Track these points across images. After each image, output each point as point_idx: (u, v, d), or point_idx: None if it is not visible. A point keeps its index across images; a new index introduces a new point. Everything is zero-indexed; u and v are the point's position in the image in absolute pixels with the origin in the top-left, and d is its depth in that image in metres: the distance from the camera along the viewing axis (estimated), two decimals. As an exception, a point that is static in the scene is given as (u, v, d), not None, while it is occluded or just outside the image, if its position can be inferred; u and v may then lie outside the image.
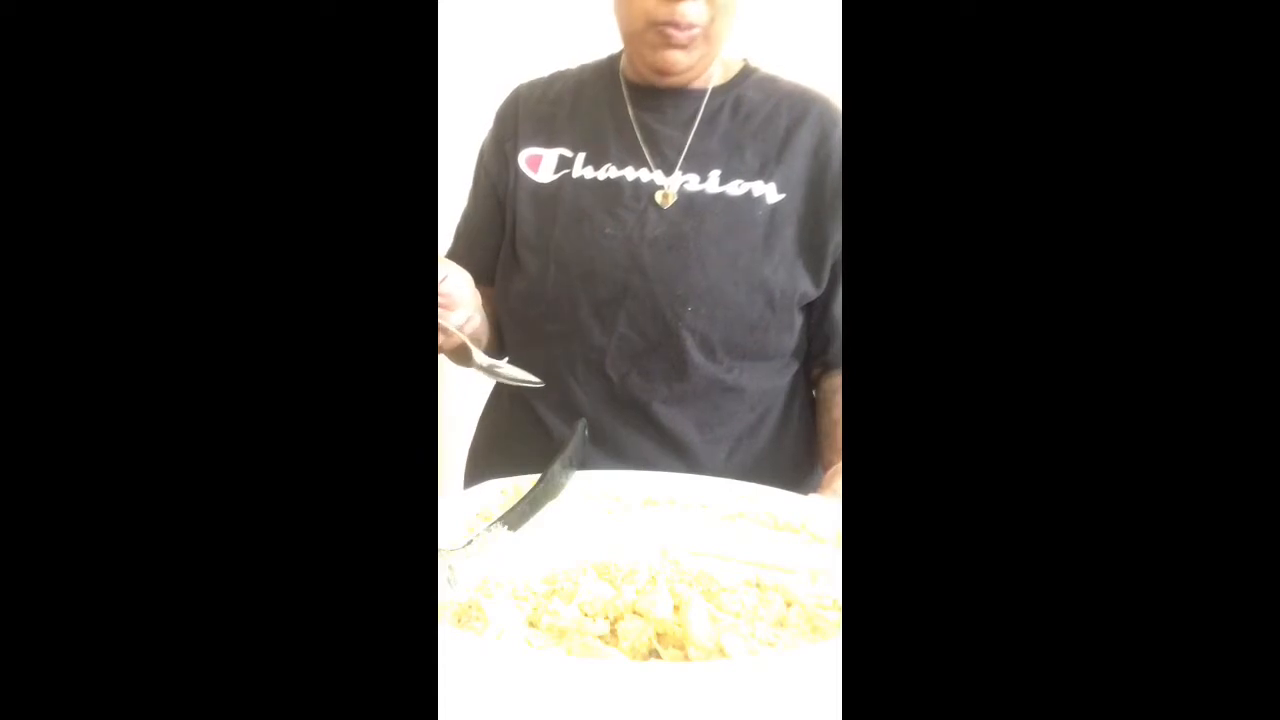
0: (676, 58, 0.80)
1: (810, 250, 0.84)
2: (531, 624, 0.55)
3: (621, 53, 0.90)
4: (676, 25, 0.77)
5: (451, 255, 0.94)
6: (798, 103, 0.87)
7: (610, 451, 0.82)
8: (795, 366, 0.87)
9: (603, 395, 0.83)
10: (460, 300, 0.70)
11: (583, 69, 0.94)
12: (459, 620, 0.53)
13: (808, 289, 0.84)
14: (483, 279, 0.90)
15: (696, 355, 0.81)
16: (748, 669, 0.39)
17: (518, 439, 0.88)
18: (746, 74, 0.89)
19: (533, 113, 0.90)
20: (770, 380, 0.85)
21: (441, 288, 0.68)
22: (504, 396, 0.93)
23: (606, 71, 0.91)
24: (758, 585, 0.61)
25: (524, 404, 0.87)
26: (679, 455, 0.83)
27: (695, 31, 0.78)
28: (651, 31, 0.78)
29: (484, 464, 0.93)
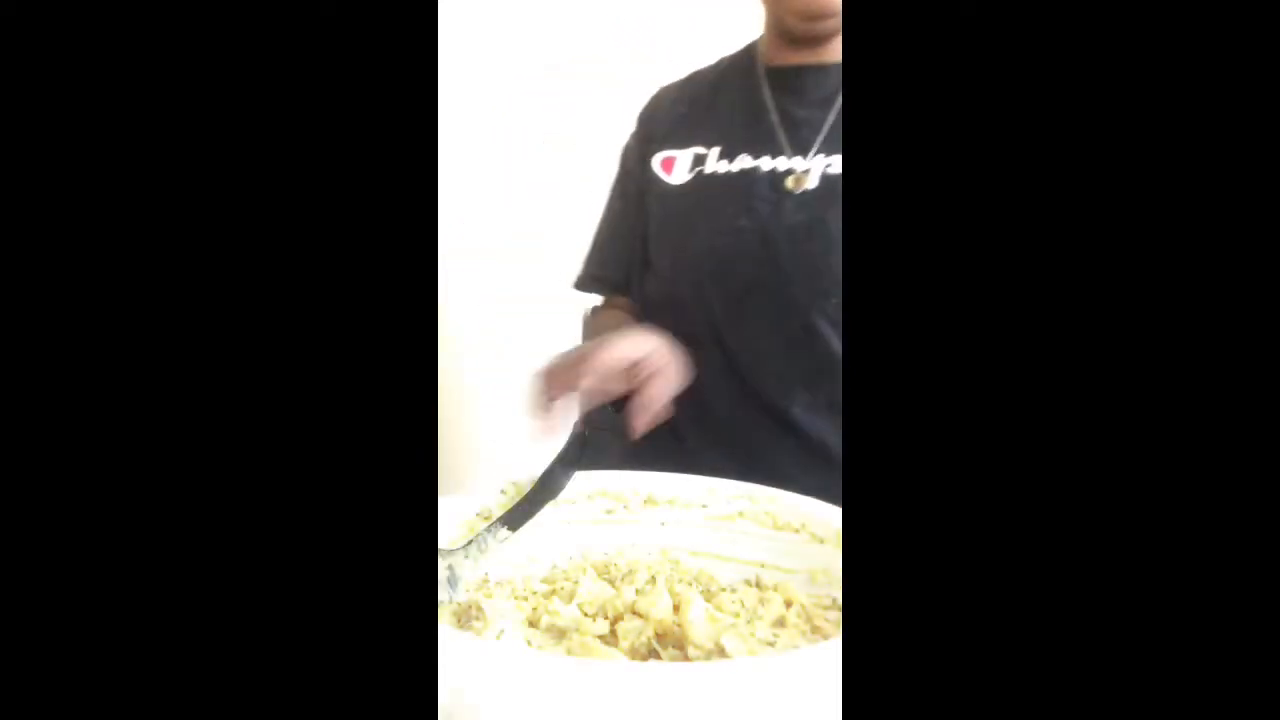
0: (821, 27, 0.75)
1: None
2: (531, 624, 0.55)
3: (759, 39, 0.85)
4: None
5: (587, 261, 0.93)
6: None
7: (743, 462, 0.72)
8: None
9: (736, 401, 0.77)
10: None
11: (719, 62, 0.89)
12: (459, 620, 0.53)
13: None
14: (619, 287, 0.89)
15: (840, 349, 0.73)
16: (747, 669, 0.39)
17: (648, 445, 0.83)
18: None
19: (668, 115, 0.87)
20: None
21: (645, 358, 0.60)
22: None
23: (743, 60, 0.85)
24: (758, 585, 0.61)
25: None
26: (829, 467, 0.74)
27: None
28: None
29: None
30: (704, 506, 0.64)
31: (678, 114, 0.86)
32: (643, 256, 0.84)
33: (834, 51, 0.80)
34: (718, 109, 0.84)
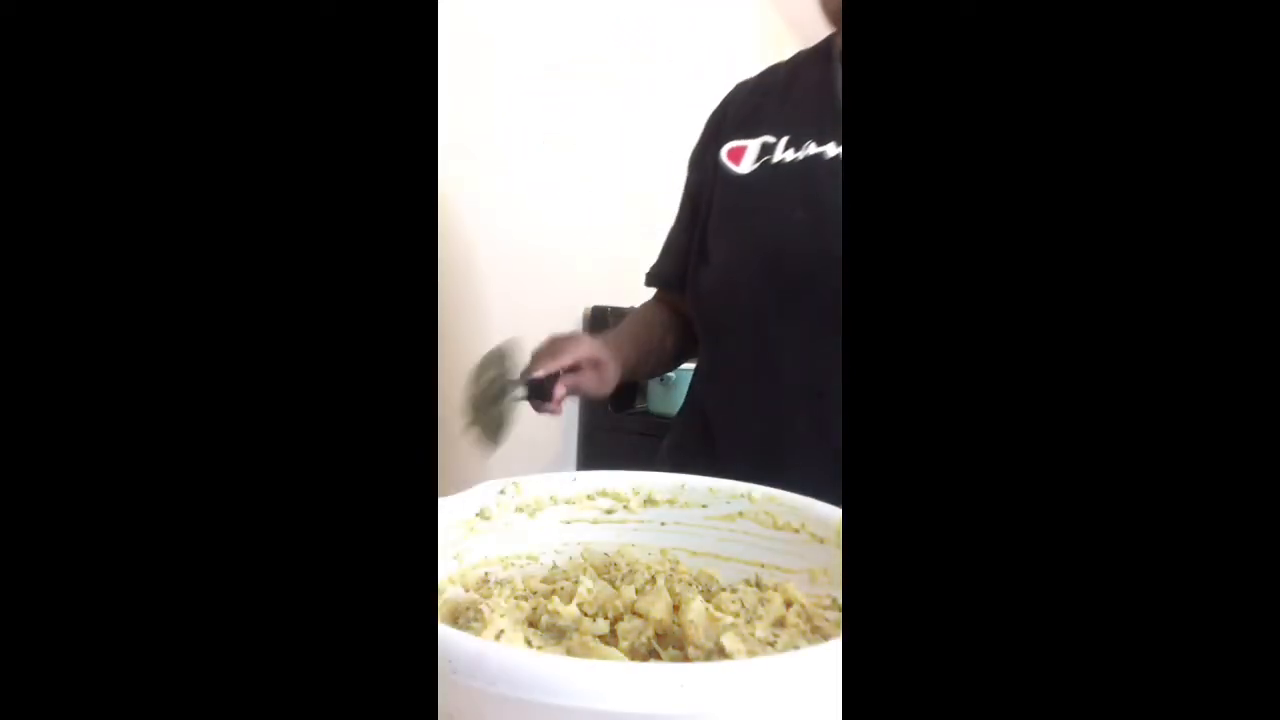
0: None
1: None
2: (531, 624, 0.55)
3: (837, 32, 0.83)
4: None
5: (658, 258, 0.93)
6: None
7: (767, 466, 0.68)
8: None
9: (771, 400, 0.76)
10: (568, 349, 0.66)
11: (796, 55, 0.88)
12: (456, 620, 0.53)
13: None
14: (670, 284, 0.90)
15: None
16: (747, 669, 0.38)
17: (681, 440, 0.83)
18: None
19: (740, 107, 0.86)
20: None
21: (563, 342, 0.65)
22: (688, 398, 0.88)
23: (820, 53, 0.84)
24: (758, 585, 0.61)
25: (695, 405, 0.83)
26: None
27: None
28: None
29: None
30: (704, 507, 0.64)
31: (752, 104, 0.85)
32: (700, 249, 0.82)
33: None
34: (790, 100, 0.82)
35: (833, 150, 0.75)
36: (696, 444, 0.81)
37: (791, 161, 0.77)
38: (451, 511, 0.59)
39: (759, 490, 0.63)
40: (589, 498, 0.65)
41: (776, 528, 0.61)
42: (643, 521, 0.64)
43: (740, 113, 0.85)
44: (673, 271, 0.89)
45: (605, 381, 0.73)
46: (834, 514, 0.58)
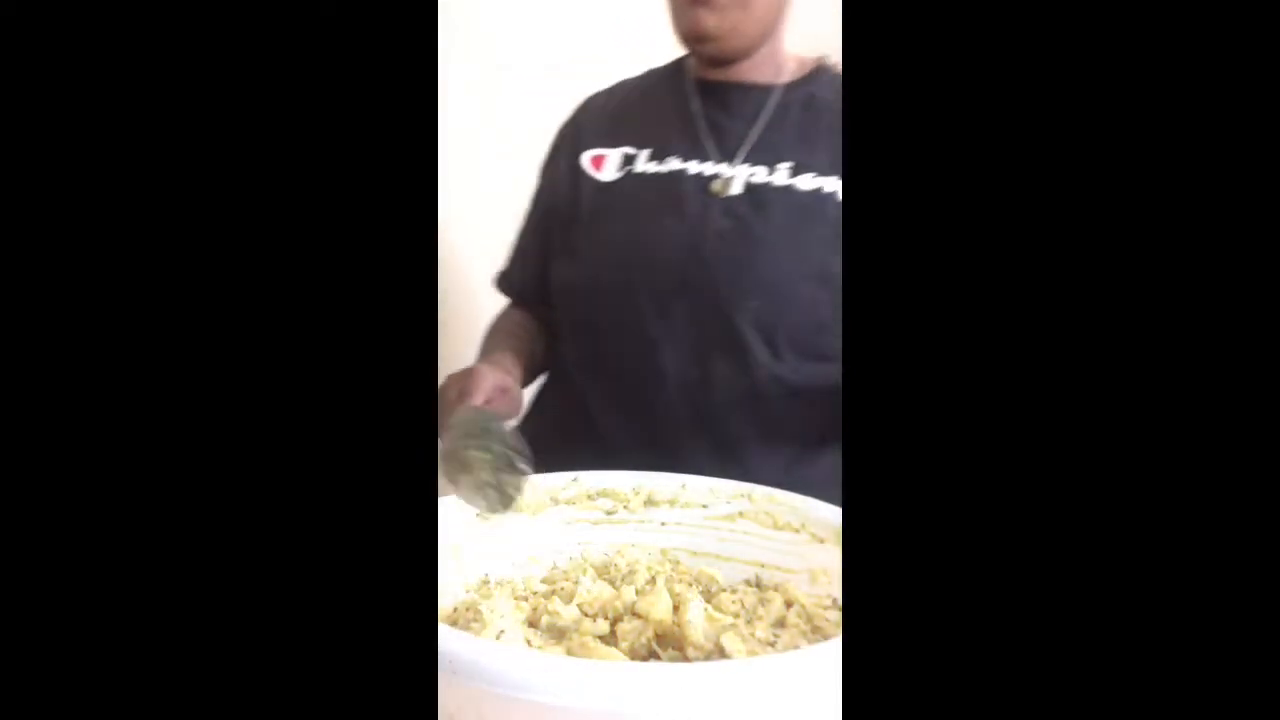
0: (703, 17, 0.76)
1: None
2: (531, 624, 0.55)
3: (688, 55, 0.88)
4: None
5: (503, 273, 0.95)
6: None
7: (655, 454, 0.73)
8: None
9: (656, 393, 0.79)
10: (479, 386, 0.67)
11: (648, 73, 0.93)
12: (456, 620, 0.53)
13: None
14: (534, 296, 0.91)
15: (761, 352, 0.76)
16: (747, 669, 0.39)
17: (563, 434, 0.84)
18: (821, 72, 0.87)
19: (596, 116, 0.91)
20: (831, 397, 0.77)
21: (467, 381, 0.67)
22: (555, 392, 0.91)
23: (673, 72, 0.90)
24: (758, 585, 0.61)
25: (578, 401, 0.84)
26: (734, 461, 0.77)
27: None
28: None
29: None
30: (704, 507, 0.64)
31: (608, 113, 0.90)
32: (566, 247, 0.86)
33: (759, 72, 0.84)
34: (648, 115, 0.88)
35: (695, 167, 0.82)
36: (582, 437, 0.83)
37: (655, 173, 0.83)
38: (451, 511, 0.59)
39: (759, 490, 0.63)
40: (589, 498, 0.65)
41: (776, 528, 0.61)
42: (643, 521, 0.64)
43: (598, 124, 0.90)
44: (531, 275, 0.91)
45: (517, 404, 0.76)
46: (834, 514, 0.58)
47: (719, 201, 0.79)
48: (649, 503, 0.65)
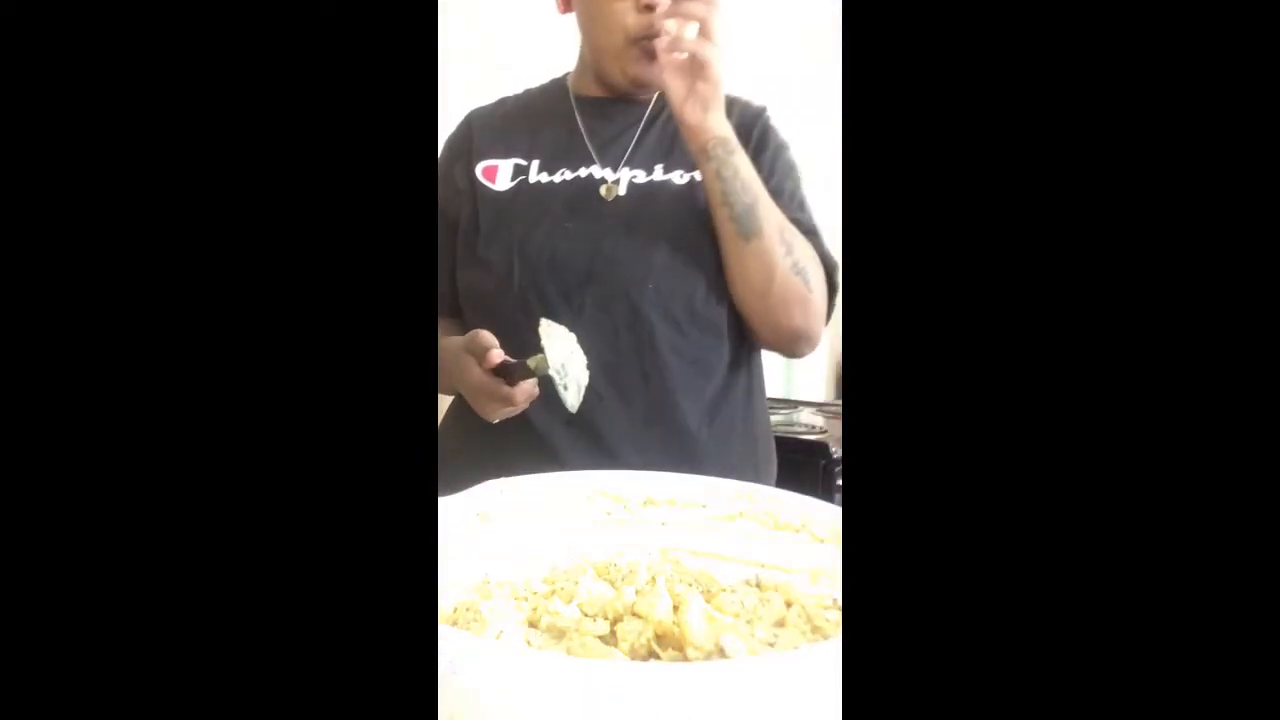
0: (656, 69, 0.82)
1: None
2: (531, 624, 0.55)
3: (568, 74, 0.99)
4: (657, 35, 0.81)
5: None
6: (735, 110, 0.91)
7: (592, 433, 0.86)
8: (738, 343, 0.93)
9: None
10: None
11: (529, 91, 1.02)
12: (456, 621, 0.53)
13: None
14: (450, 310, 0.96)
15: (663, 329, 0.87)
16: (747, 669, 0.38)
17: (497, 433, 0.86)
18: None
19: (485, 129, 0.97)
20: (723, 355, 0.91)
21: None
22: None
23: (555, 90, 0.99)
24: (758, 585, 0.61)
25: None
26: (666, 425, 0.87)
27: (681, 48, 0.80)
28: (634, 47, 0.85)
29: (463, 461, 0.90)
30: (704, 507, 0.64)
31: (496, 127, 0.97)
32: (468, 256, 0.92)
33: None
34: (535, 127, 0.96)
35: (585, 172, 0.92)
36: (513, 439, 0.87)
37: (549, 182, 0.92)
38: (451, 511, 0.59)
39: (759, 490, 0.63)
40: (589, 498, 0.65)
41: (777, 528, 0.61)
42: (643, 522, 0.64)
43: (487, 133, 0.97)
44: (447, 289, 0.95)
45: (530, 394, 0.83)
46: (834, 514, 0.58)
47: (607, 203, 0.90)
48: (649, 503, 0.65)
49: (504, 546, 0.61)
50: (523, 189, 0.92)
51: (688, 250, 0.87)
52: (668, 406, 0.88)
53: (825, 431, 1.78)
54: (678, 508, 0.64)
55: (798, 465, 1.56)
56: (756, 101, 0.99)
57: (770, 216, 0.84)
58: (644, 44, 0.84)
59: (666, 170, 0.91)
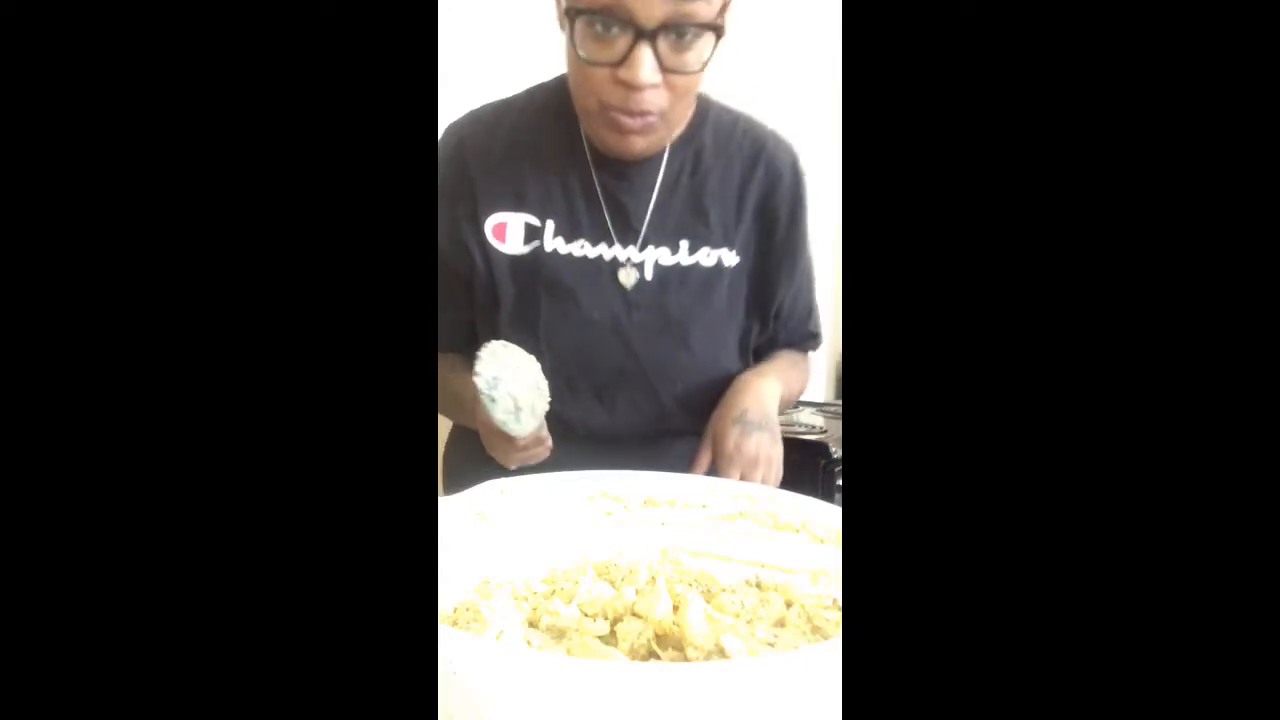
0: (630, 144, 0.75)
1: (758, 309, 0.86)
2: (531, 624, 0.55)
3: (570, 93, 0.83)
4: (629, 113, 0.71)
5: (447, 336, 0.90)
6: (749, 148, 0.85)
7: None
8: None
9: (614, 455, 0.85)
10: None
11: (531, 98, 0.86)
12: (456, 621, 0.53)
13: (752, 339, 0.88)
14: (464, 345, 0.86)
15: (679, 419, 0.85)
16: (747, 669, 0.39)
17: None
18: (704, 113, 0.84)
19: (484, 164, 0.82)
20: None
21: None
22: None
23: (565, 118, 0.82)
24: (758, 585, 0.61)
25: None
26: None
27: (652, 119, 0.73)
28: (605, 114, 0.73)
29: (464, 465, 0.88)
30: (704, 507, 0.64)
31: (498, 165, 0.83)
32: (488, 327, 0.83)
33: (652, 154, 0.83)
34: (544, 178, 0.82)
35: (605, 252, 0.82)
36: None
37: (568, 255, 0.81)
38: (451, 511, 0.59)
39: (759, 490, 0.63)
40: (589, 498, 0.65)
41: (777, 528, 0.61)
42: (643, 522, 0.64)
43: (488, 181, 0.82)
44: (459, 322, 0.87)
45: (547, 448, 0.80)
46: (834, 514, 0.58)
47: (628, 292, 0.82)
48: (649, 503, 0.65)
49: (504, 546, 0.61)
50: (540, 257, 0.81)
51: (714, 342, 0.84)
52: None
53: (825, 431, 1.78)
54: (678, 508, 0.64)
55: (798, 465, 1.56)
56: (786, 153, 0.88)
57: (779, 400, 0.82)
58: (611, 116, 0.73)
59: (693, 249, 0.82)
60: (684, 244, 0.82)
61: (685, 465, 0.80)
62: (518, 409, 0.68)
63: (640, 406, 0.84)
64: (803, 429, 1.78)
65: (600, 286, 0.82)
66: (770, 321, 0.88)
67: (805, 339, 0.93)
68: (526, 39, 1.44)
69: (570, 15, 0.68)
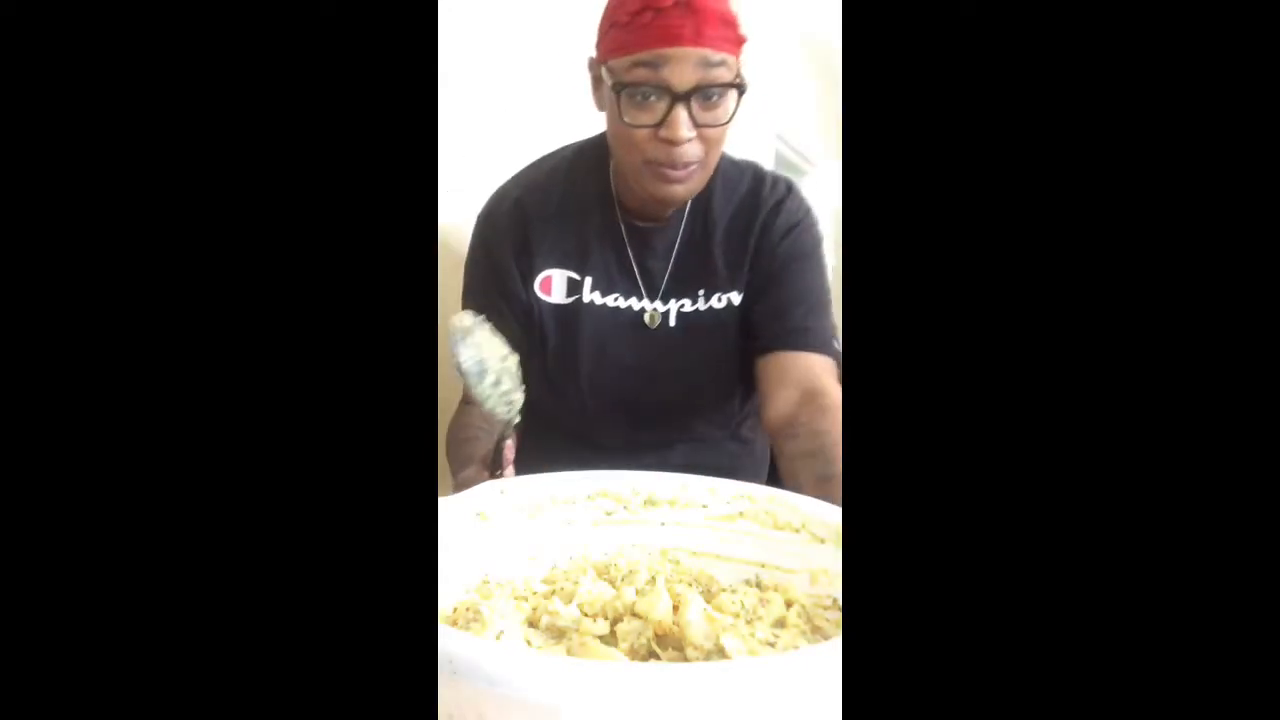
0: (675, 191, 0.86)
1: (747, 340, 0.96)
2: (531, 624, 0.55)
3: (609, 159, 0.96)
4: (673, 165, 0.83)
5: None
6: (747, 192, 0.95)
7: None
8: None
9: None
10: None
11: (572, 167, 0.98)
12: (456, 620, 0.53)
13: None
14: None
15: (700, 450, 0.99)
16: (747, 669, 0.38)
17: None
18: (715, 166, 0.92)
19: (541, 228, 0.95)
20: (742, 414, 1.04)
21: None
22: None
23: (601, 185, 0.96)
24: (758, 585, 0.61)
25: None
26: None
27: (693, 168, 0.84)
28: (650, 169, 0.84)
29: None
30: (704, 507, 0.64)
31: (550, 231, 0.95)
32: (544, 377, 0.96)
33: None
34: (585, 242, 0.95)
35: (635, 304, 0.95)
36: None
37: (603, 306, 0.95)
38: (451, 511, 0.59)
39: (759, 490, 0.63)
40: (589, 498, 0.65)
41: (776, 528, 0.61)
42: (643, 522, 0.64)
43: (544, 242, 0.95)
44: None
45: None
46: (834, 514, 0.58)
47: (656, 336, 0.95)
48: (649, 503, 0.65)
49: (504, 546, 0.61)
50: (579, 308, 0.94)
51: (725, 376, 0.96)
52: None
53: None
54: (678, 508, 0.64)
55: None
56: (780, 187, 0.98)
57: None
58: (658, 170, 0.84)
59: (708, 297, 0.95)
60: (701, 292, 0.95)
61: (688, 466, 0.81)
62: (499, 383, 0.72)
63: (666, 435, 0.98)
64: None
65: (629, 333, 0.95)
66: (756, 331, 0.95)
67: (792, 336, 0.96)
68: (526, 39, 1.44)
69: (616, 90, 0.82)
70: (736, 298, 0.95)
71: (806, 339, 0.94)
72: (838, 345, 0.98)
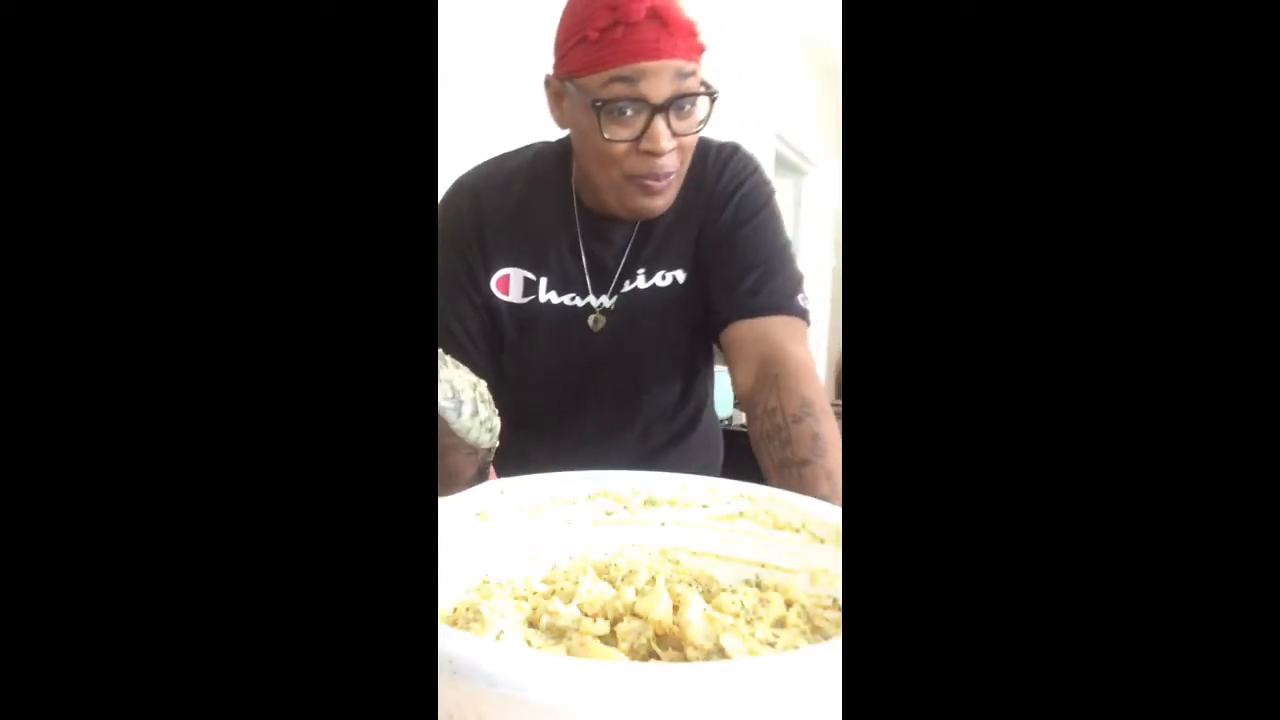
0: (655, 204, 0.87)
1: (700, 320, 0.96)
2: (531, 624, 0.55)
3: (571, 156, 0.96)
4: (654, 177, 0.84)
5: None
6: (695, 170, 0.93)
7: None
8: (693, 380, 1.06)
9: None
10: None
11: (534, 166, 0.98)
12: (456, 621, 0.53)
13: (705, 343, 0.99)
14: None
15: (639, 424, 1.01)
16: (747, 669, 0.38)
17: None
18: None
19: (495, 223, 0.95)
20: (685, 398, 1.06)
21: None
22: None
23: (561, 188, 0.96)
24: (758, 585, 0.61)
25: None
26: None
27: (671, 178, 0.85)
28: (630, 183, 0.85)
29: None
30: (704, 507, 0.64)
31: (505, 226, 0.95)
32: (490, 365, 0.97)
33: None
34: (541, 242, 0.96)
35: (583, 300, 0.96)
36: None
37: (559, 305, 0.96)
38: (451, 511, 0.59)
39: (759, 490, 0.63)
40: (589, 498, 0.65)
41: (776, 528, 0.61)
42: (643, 522, 0.64)
43: (498, 238, 0.95)
44: (489, 364, 0.98)
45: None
46: (834, 514, 0.58)
47: (596, 336, 0.96)
48: (649, 503, 0.65)
49: (504, 546, 0.61)
50: (535, 307, 0.95)
51: (674, 353, 0.98)
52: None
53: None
54: (678, 508, 0.64)
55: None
56: (729, 146, 0.98)
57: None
58: (639, 183, 0.85)
59: (649, 275, 0.95)
60: (641, 272, 0.96)
61: (679, 467, 0.82)
62: (477, 411, 0.73)
63: (611, 417, 1.00)
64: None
65: (576, 331, 0.96)
66: (714, 306, 0.94)
67: (744, 303, 0.95)
68: (526, 39, 1.44)
69: (596, 108, 0.81)
70: (681, 275, 0.95)
71: (757, 302, 0.91)
72: (803, 301, 0.93)
